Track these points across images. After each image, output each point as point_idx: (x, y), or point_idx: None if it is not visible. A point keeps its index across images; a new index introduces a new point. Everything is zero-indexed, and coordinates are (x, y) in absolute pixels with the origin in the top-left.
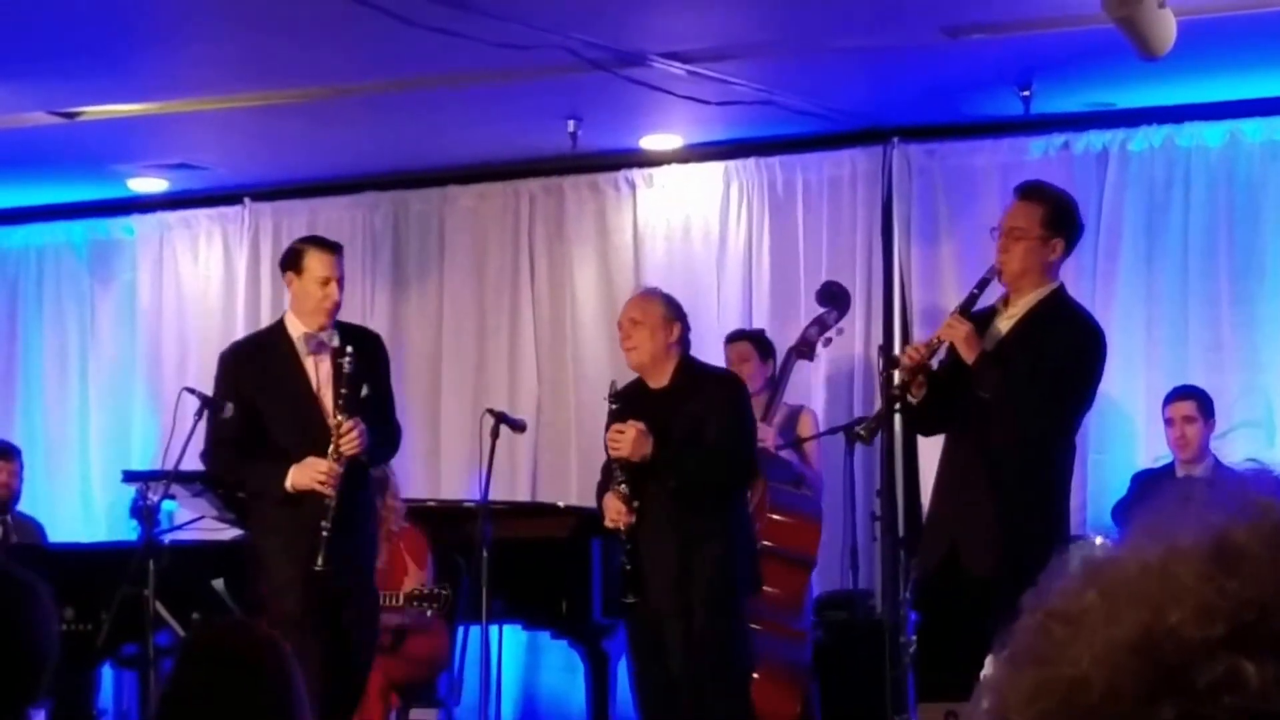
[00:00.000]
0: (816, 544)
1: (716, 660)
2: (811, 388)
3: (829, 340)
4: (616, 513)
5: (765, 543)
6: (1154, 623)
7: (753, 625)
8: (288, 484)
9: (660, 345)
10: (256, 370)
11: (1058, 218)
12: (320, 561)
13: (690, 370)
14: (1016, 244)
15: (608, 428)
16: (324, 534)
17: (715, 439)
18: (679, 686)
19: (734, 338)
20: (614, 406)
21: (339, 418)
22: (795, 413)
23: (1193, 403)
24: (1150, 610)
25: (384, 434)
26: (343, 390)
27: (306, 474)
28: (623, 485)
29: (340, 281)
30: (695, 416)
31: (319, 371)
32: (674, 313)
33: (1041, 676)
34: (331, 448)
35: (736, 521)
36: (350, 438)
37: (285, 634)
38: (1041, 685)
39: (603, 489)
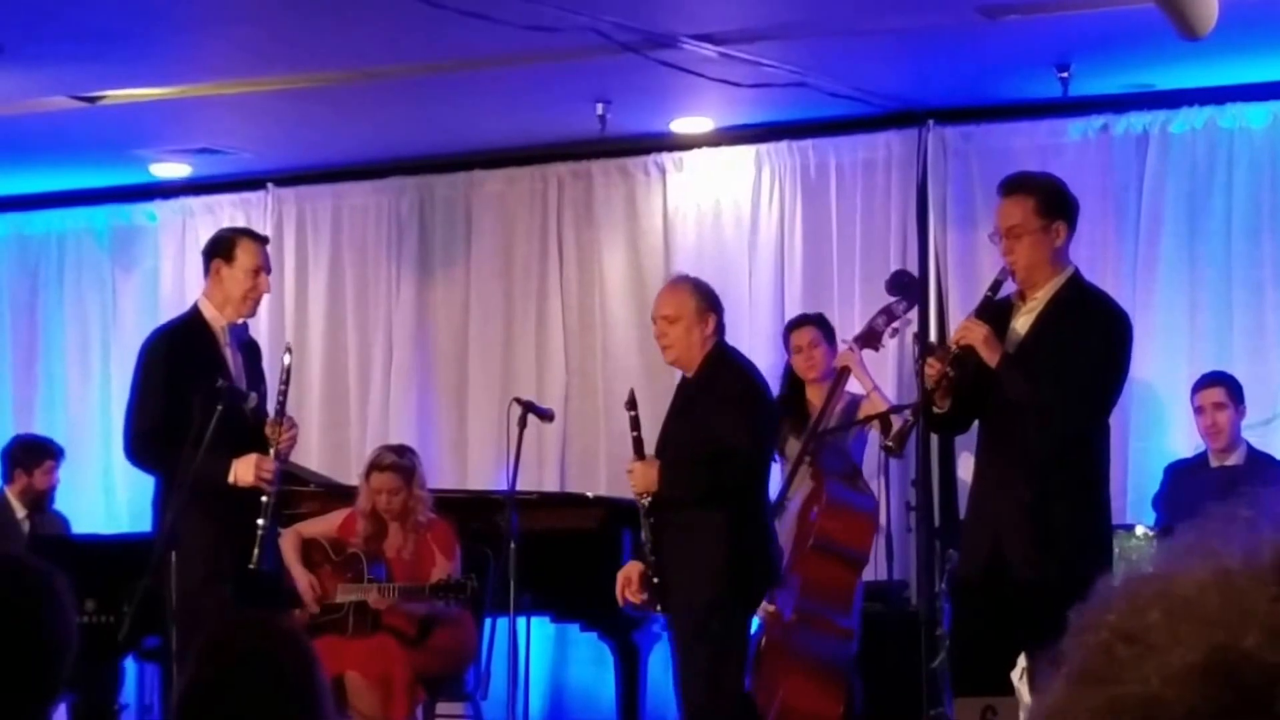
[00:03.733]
0: (871, 541)
1: (699, 662)
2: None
3: (896, 331)
4: (626, 590)
5: (820, 539)
6: (1226, 644)
7: (803, 622)
8: (231, 478)
9: (696, 340)
10: (185, 359)
11: (1051, 202)
12: (255, 559)
13: (717, 363)
14: (1018, 241)
15: (633, 437)
16: (260, 532)
17: (720, 442)
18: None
19: (801, 323)
20: (632, 413)
21: (281, 415)
22: (855, 401)
23: (1222, 389)
24: (1223, 631)
25: None
26: (283, 388)
27: (251, 470)
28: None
29: (268, 272)
30: (708, 414)
31: (236, 363)
32: (708, 302)
33: (1110, 695)
34: (273, 446)
35: (741, 520)
36: (291, 435)
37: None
38: (1112, 703)
39: None
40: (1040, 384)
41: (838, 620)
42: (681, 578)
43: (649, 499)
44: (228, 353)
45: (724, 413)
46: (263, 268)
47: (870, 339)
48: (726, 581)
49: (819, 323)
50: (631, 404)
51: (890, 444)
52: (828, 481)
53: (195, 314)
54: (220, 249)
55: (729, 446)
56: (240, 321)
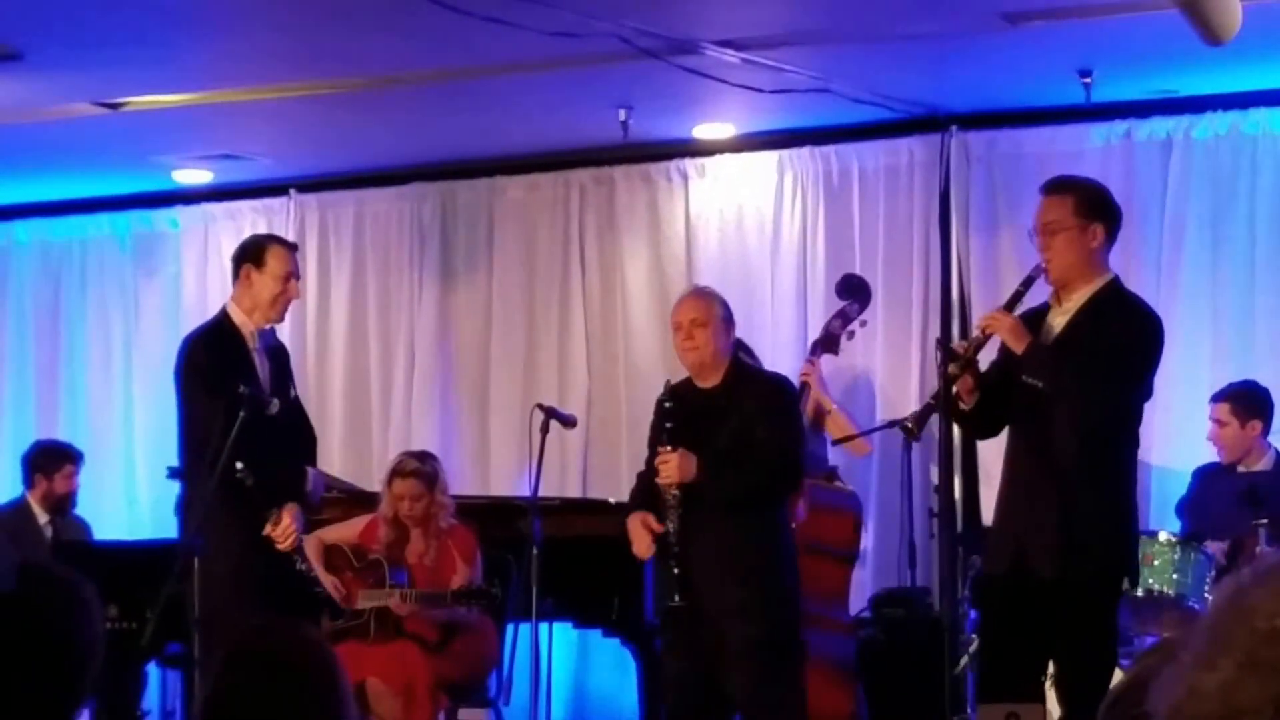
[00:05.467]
0: (858, 535)
1: (777, 665)
2: (868, 381)
3: (852, 333)
4: (643, 547)
5: (810, 542)
6: None
7: (806, 624)
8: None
9: (721, 347)
10: (221, 362)
11: (1090, 204)
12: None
13: (741, 371)
14: (1055, 237)
15: (660, 427)
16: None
17: (763, 444)
18: (716, 687)
19: None
20: (668, 405)
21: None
22: (818, 407)
23: (1227, 405)
24: None
25: (311, 431)
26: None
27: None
28: (671, 498)
29: (298, 279)
30: (745, 420)
31: (264, 369)
32: (730, 314)
33: None
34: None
35: (784, 525)
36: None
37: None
38: None
39: (637, 493)
40: (1066, 372)
41: (838, 617)
42: (730, 581)
43: (678, 491)
44: (256, 358)
45: (769, 420)
46: (293, 273)
47: (828, 344)
48: (786, 582)
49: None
50: (669, 396)
51: (909, 425)
52: (810, 486)
53: (224, 318)
54: (250, 254)
55: (776, 451)
56: (268, 327)
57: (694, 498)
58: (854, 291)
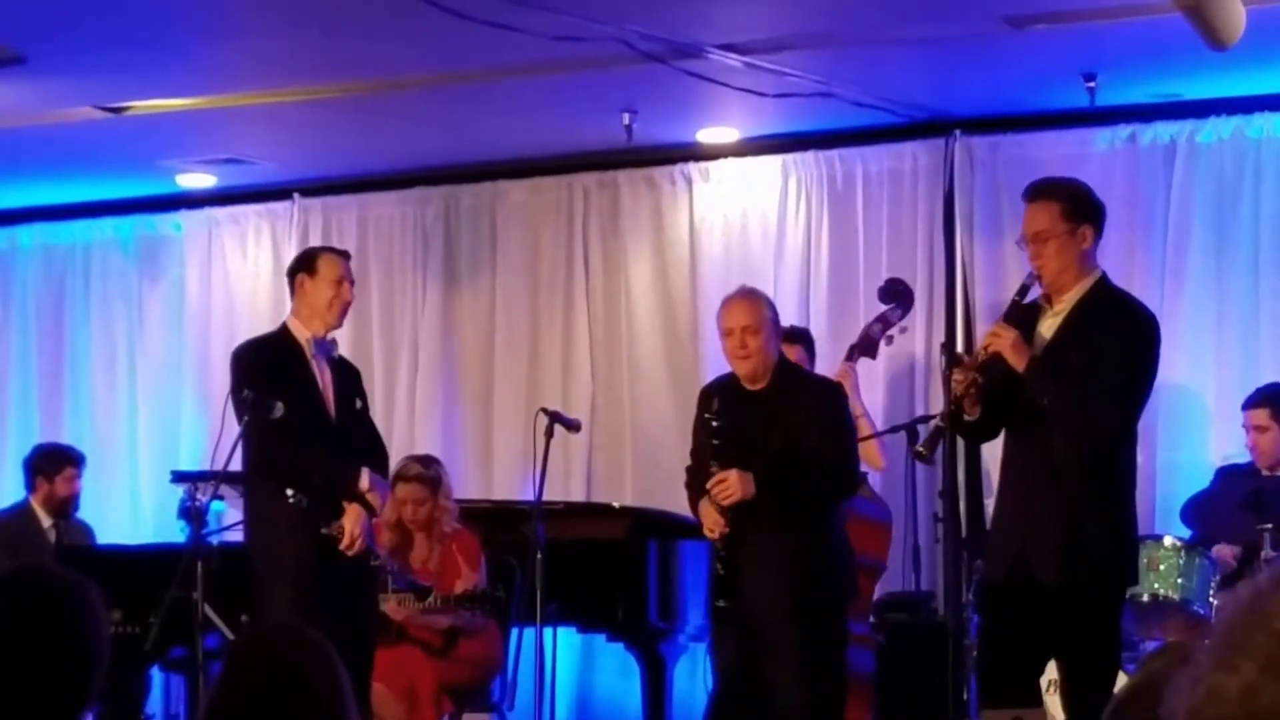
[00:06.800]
0: (887, 548)
1: (822, 671)
2: (872, 385)
3: (891, 338)
4: (714, 523)
5: None
6: None
7: None
8: (364, 484)
9: (773, 352)
10: (272, 369)
11: (1076, 207)
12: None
13: (789, 373)
14: (1045, 246)
15: (705, 439)
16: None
17: (816, 452)
18: (761, 693)
19: (787, 338)
20: (715, 423)
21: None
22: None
23: (1265, 410)
24: None
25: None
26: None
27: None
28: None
29: (351, 284)
30: (795, 427)
31: (323, 376)
32: (777, 314)
33: None
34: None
35: (837, 530)
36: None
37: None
38: None
39: (692, 489)
40: (1067, 386)
41: (859, 629)
42: (781, 587)
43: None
44: (315, 365)
45: (819, 427)
46: (345, 278)
47: (867, 348)
48: (833, 592)
49: (803, 339)
50: (713, 393)
51: (921, 449)
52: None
53: (283, 330)
54: (303, 264)
55: (829, 461)
56: (328, 337)
57: (745, 508)
58: (896, 296)
